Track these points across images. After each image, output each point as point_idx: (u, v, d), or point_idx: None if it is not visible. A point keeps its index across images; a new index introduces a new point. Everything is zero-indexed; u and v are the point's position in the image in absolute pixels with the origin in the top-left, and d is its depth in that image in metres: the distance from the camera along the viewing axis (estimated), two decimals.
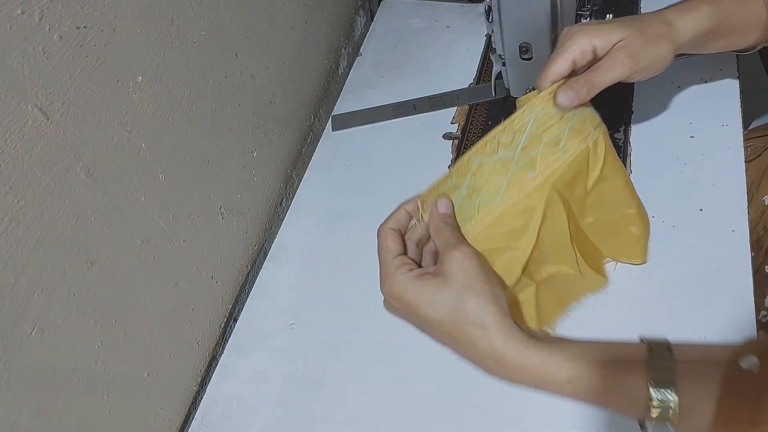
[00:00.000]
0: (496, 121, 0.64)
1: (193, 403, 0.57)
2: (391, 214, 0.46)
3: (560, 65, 0.47)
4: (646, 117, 0.66)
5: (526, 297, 0.49)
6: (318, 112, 0.80)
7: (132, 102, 0.45)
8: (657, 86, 0.68)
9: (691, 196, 0.58)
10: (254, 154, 0.64)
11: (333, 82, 0.83)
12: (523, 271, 0.48)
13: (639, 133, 0.65)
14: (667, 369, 0.36)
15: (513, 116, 0.46)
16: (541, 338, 0.40)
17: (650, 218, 0.57)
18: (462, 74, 0.77)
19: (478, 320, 0.39)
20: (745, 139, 0.73)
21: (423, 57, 0.81)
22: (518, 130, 0.46)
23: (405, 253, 0.44)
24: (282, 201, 0.72)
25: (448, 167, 0.49)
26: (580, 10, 0.57)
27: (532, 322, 0.49)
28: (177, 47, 0.49)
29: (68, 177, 0.40)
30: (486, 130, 0.65)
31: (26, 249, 0.37)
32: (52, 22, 0.37)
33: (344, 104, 0.77)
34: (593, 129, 0.47)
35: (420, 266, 0.44)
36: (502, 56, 0.59)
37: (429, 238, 0.47)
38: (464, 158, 0.47)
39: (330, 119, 0.76)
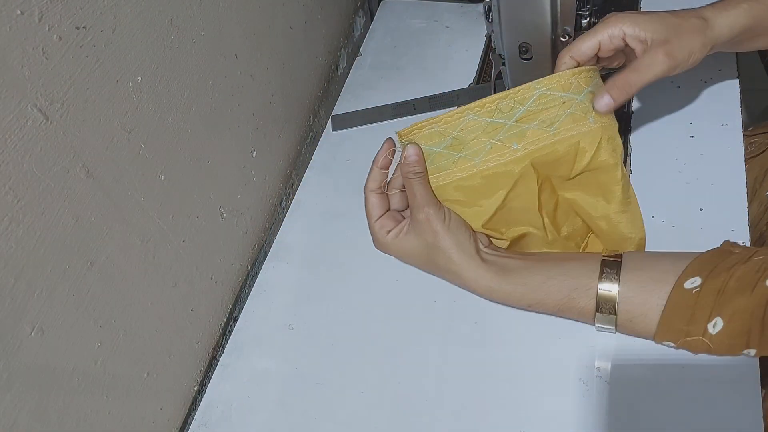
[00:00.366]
0: None
1: (192, 403, 0.57)
2: (369, 173, 0.52)
3: (585, 44, 0.49)
4: (645, 117, 0.66)
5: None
6: (318, 112, 0.80)
7: (132, 102, 0.45)
8: (657, 86, 0.67)
9: (691, 196, 0.58)
10: (254, 155, 0.64)
11: (332, 83, 0.83)
12: (487, 228, 0.51)
13: (639, 133, 0.65)
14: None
15: (518, 87, 0.47)
16: (504, 266, 0.50)
17: (650, 218, 0.57)
18: (462, 74, 0.77)
19: (446, 268, 0.50)
20: (749, 136, 0.73)
21: (423, 57, 0.81)
22: (519, 101, 0.47)
23: (389, 207, 0.53)
24: (282, 201, 0.72)
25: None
26: (580, 10, 0.57)
27: None
28: (177, 47, 0.49)
29: (68, 177, 0.40)
30: None
31: (26, 249, 0.37)
32: (51, 23, 0.37)
33: (344, 104, 0.77)
34: (593, 122, 0.47)
35: (401, 215, 0.53)
36: (502, 56, 0.59)
37: None
38: (456, 111, 0.48)
39: (330, 119, 0.76)
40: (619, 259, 0.48)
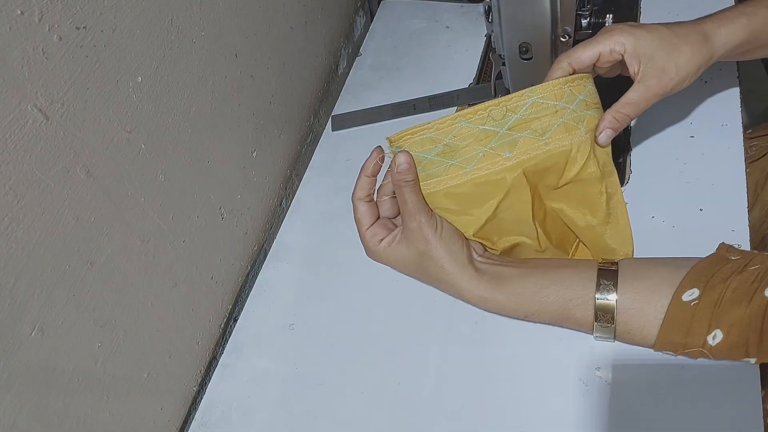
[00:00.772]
0: None
1: (192, 403, 0.57)
2: (357, 181, 0.50)
3: (586, 53, 0.49)
4: (645, 117, 0.66)
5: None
6: (318, 112, 0.80)
7: (132, 102, 0.45)
8: None
9: (691, 196, 0.58)
10: (254, 155, 0.64)
11: (333, 83, 0.83)
12: (478, 237, 0.51)
13: (639, 133, 0.65)
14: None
15: (511, 95, 0.47)
16: (498, 275, 0.49)
17: (650, 218, 0.57)
18: (462, 74, 0.77)
19: (438, 277, 0.50)
20: (750, 139, 0.73)
21: (423, 57, 0.81)
22: (511, 109, 0.47)
23: (378, 215, 0.51)
24: (282, 201, 0.72)
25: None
26: (580, 10, 0.57)
27: None
28: (177, 48, 0.49)
29: (68, 177, 0.40)
30: None
31: (26, 249, 0.37)
32: (51, 23, 0.37)
33: (344, 104, 0.77)
34: (585, 132, 0.47)
35: (392, 222, 0.52)
36: (502, 56, 0.59)
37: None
38: (449, 118, 0.48)
39: (330, 119, 0.76)
40: (615, 268, 0.47)
